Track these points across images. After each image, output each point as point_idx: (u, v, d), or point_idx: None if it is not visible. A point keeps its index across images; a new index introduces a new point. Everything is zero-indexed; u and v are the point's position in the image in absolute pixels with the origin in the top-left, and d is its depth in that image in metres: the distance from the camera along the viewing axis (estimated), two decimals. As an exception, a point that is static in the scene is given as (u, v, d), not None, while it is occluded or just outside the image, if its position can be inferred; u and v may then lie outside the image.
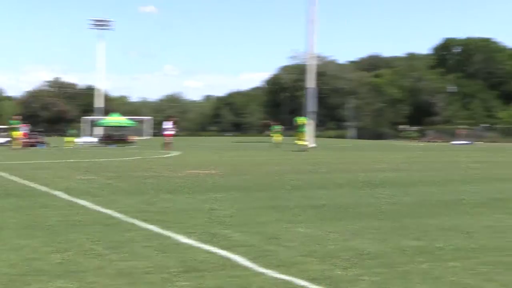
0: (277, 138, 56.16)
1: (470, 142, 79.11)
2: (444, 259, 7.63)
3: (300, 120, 45.38)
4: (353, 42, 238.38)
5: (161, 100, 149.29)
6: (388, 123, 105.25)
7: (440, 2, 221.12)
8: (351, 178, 20.24)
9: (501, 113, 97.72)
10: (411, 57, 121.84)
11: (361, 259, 7.65)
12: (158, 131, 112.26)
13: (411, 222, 10.54)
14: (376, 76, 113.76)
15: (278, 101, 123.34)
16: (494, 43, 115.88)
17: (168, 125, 47.41)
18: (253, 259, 7.58)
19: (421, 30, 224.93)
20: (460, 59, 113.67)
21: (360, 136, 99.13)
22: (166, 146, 45.91)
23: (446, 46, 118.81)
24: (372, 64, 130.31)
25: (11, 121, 51.28)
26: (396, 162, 31.09)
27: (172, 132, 47.31)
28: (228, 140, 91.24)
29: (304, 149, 41.84)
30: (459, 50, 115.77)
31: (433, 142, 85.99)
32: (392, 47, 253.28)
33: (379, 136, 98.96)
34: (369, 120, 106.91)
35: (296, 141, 43.70)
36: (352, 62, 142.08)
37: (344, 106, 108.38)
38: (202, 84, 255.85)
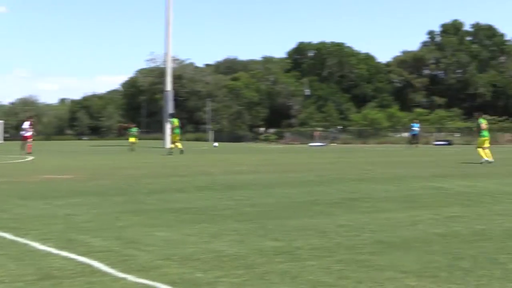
0: (133, 141, 55.53)
1: (325, 143, 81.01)
2: (302, 259, 7.78)
3: (175, 122, 44.35)
4: (210, 45, 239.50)
5: (13, 104, 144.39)
6: (246, 125, 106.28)
7: (295, 6, 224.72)
8: (210, 180, 20.27)
9: (354, 115, 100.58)
10: (267, 60, 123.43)
11: (220, 261, 7.70)
12: (9, 135, 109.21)
13: (270, 223, 10.67)
14: (233, 79, 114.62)
15: (136, 104, 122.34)
16: (347, 47, 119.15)
17: (26, 126, 44.69)
18: (112, 265, 7.51)
19: (277, 34, 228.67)
20: (314, 62, 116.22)
21: (219, 139, 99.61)
22: (25, 147, 43.82)
23: (300, 50, 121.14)
24: (229, 67, 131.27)
25: None
26: (255, 164, 31.41)
27: (30, 134, 44.51)
28: (85, 144, 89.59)
29: (171, 152, 41.36)
30: (313, 54, 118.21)
31: (290, 144, 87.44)
32: (249, 50, 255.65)
33: (237, 138, 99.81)
34: (228, 123, 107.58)
35: (172, 144, 42.92)
36: (209, 65, 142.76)
37: (203, 109, 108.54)
38: (57, 86, 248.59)
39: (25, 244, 8.90)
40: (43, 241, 9.08)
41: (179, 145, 41.60)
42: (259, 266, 7.44)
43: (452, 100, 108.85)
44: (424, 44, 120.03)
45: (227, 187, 17.70)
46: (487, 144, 29.33)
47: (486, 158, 28.12)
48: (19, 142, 47.07)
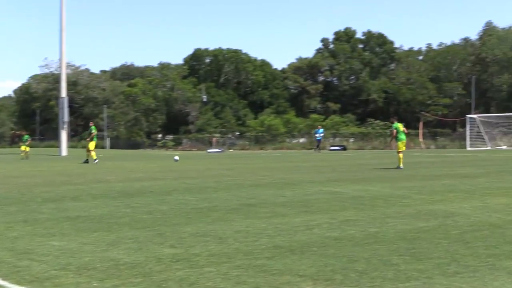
0: (24, 149, 54.07)
1: (222, 150, 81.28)
2: (200, 265, 7.79)
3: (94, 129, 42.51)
4: (106, 51, 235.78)
5: None
6: (143, 132, 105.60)
7: (192, 13, 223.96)
8: (106, 188, 20.03)
9: (251, 121, 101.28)
10: (164, 66, 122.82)
11: (118, 270, 7.65)
12: None
13: (167, 230, 10.64)
14: (130, 85, 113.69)
15: (30, 111, 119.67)
16: (243, 54, 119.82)
17: None
18: (4, 276, 7.35)
19: (174, 40, 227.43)
20: (211, 69, 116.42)
21: (115, 146, 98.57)
22: None
23: (197, 57, 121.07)
24: (126, 73, 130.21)
25: None
26: (153, 171, 31.21)
27: None
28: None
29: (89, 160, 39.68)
30: (210, 61, 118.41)
31: (189, 150, 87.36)
32: (145, 56, 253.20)
33: (135, 145, 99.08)
34: (125, 130, 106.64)
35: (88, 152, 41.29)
36: (105, 71, 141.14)
37: (99, 116, 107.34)
38: None
39: None
40: None
41: (93, 154, 40.18)
42: (157, 274, 7.42)
43: (346, 106, 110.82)
44: (319, 51, 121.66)
45: (124, 195, 17.51)
46: (403, 148, 29.53)
47: (401, 167, 28.11)
48: None
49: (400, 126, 30.01)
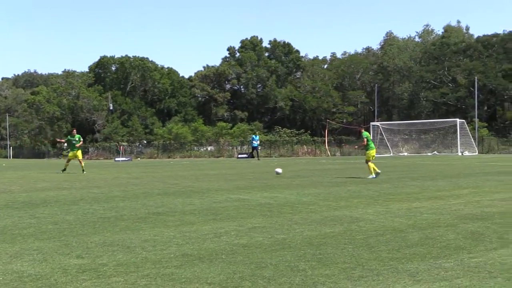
0: None
1: (130, 158, 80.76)
2: (107, 275, 7.71)
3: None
4: (8, 57, 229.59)
5: None
6: (48, 141, 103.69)
7: (97, 20, 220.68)
8: (10, 198, 19.54)
9: (159, 129, 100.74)
10: (69, 74, 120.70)
11: (22, 282, 7.49)
12: None
13: (74, 240, 10.48)
14: (33, 93, 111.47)
15: None
16: (150, 62, 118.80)
17: None
18: None
19: (79, 47, 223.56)
20: (117, 77, 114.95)
21: (18, 155, 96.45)
22: None
23: (103, 64, 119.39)
24: (29, 81, 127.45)
25: None
26: (58, 180, 30.71)
27: None
28: None
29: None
30: (116, 69, 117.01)
31: (96, 159, 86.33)
32: (49, 64, 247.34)
33: (39, 154, 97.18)
34: (28, 139, 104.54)
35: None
36: (7, 78, 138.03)
37: (1, 125, 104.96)
38: None
39: None
40: None
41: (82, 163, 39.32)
42: (62, 285, 7.30)
43: (253, 114, 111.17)
44: (225, 59, 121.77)
45: (28, 205, 17.13)
46: (374, 156, 28.85)
47: (374, 176, 27.11)
48: None
49: (369, 135, 29.67)
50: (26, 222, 13.14)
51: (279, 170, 30.04)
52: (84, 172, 37.71)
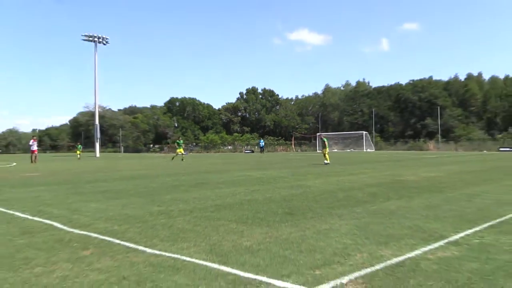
0: (79, 152, 51.98)
1: (186, 153, 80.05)
2: (174, 216, 7.97)
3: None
4: (122, 95, 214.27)
5: (3, 132, 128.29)
6: (142, 144, 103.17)
7: (167, 66, 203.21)
8: (123, 174, 19.78)
9: (202, 137, 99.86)
10: (153, 107, 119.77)
11: (127, 218, 7.75)
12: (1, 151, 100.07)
13: (156, 197, 10.65)
14: (134, 117, 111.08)
15: (78, 132, 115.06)
16: (197, 100, 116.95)
17: (33, 143, 35.25)
18: (64, 224, 7.48)
19: (158, 89, 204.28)
20: (179, 108, 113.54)
21: (126, 151, 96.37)
22: (33, 158, 34.34)
23: (171, 101, 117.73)
24: (131, 110, 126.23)
25: None
26: (150, 164, 30.77)
27: (36, 149, 35.44)
28: (49, 155, 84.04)
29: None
30: (179, 104, 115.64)
31: (166, 153, 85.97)
32: (142, 99, 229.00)
33: (138, 151, 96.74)
34: (132, 142, 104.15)
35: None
36: (120, 109, 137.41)
37: (117, 135, 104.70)
38: (28, 121, 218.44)
39: (12, 214, 8.57)
40: (22, 211, 8.77)
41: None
42: (150, 221, 7.55)
43: (253, 129, 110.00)
44: (238, 98, 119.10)
45: (131, 178, 17.32)
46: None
47: (328, 162, 26.02)
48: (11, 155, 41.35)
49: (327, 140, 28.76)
50: (131, 187, 13.36)
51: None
52: (183, 160, 36.26)
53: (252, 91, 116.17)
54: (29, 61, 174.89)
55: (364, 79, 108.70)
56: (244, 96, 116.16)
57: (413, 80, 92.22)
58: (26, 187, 14.10)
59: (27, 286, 4.34)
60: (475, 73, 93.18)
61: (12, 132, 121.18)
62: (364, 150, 69.43)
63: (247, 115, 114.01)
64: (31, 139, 36.82)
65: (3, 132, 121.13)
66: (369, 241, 5.94)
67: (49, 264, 5.05)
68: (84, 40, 61.73)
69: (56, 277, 4.58)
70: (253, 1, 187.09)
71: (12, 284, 4.40)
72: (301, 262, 4.98)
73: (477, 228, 6.65)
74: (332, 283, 4.34)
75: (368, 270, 4.71)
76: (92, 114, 70.28)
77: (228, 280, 4.43)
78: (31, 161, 34.08)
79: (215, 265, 4.88)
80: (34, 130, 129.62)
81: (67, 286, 4.31)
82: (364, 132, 74.98)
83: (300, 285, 4.30)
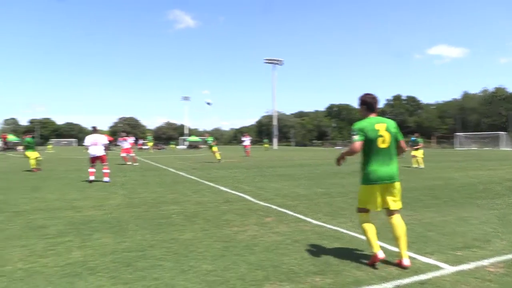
0: (266, 146, 52.86)
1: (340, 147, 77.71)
2: (220, 186, 7.77)
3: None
4: (290, 102, 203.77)
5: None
6: (308, 139, 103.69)
7: (328, 77, 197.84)
8: (294, 163, 19.75)
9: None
10: (317, 112, 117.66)
11: (297, 196, 7.83)
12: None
13: (319, 182, 10.54)
14: (302, 119, 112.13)
15: (262, 130, 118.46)
16: (351, 106, 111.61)
17: (246, 139, 29.24)
18: (253, 197, 7.88)
19: (314, 93, 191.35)
20: (337, 112, 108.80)
21: (296, 145, 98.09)
22: (247, 153, 28.13)
23: (331, 107, 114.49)
24: (300, 114, 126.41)
25: None
26: (309, 156, 30.85)
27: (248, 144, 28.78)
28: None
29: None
30: (336, 109, 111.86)
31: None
32: (308, 105, 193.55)
33: (304, 145, 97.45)
34: (300, 138, 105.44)
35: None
36: (292, 113, 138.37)
37: (290, 132, 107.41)
38: (229, 123, 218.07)
39: (218, 187, 9.33)
40: (222, 185, 9.55)
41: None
42: (314, 200, 7.47)
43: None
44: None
45: (304, 165, 17.42)
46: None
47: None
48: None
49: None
50: (299, 172, 13.21)
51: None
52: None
53: (397, 98, 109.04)
54: (228, 80, 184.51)
55: (501, 85, 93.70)
56: (391, 102, 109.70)
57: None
58: (226, 169, 15.15)
59: (228, 239, 4.74)
60: None
61: (217, 130, 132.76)
62: (502, 149, 59.47)
63: (393, 118, 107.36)
64: (242, 136, 31.54)
65: (213, 129, 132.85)
66: (507, 230, 5.12)
67: (243, 225, 5.42)
68: (265, 63, 65.16)
69: (248, 235, 4.90)
70: (398, 23, 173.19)
71: (219, 237, 4.84)
72: (443, 243, 4.51)
73: None
74: (473, 264, 3.85)
75: (510, 256, 4.07)
76: (271, 117, 73.60)
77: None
78: (246, 154, 27.98)
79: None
80: (232, 129, 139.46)
81: (256, 242, 4.58)
82: (502, 133, 64.21)
83: (442, 262, 3.91)
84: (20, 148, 12.92)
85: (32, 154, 14.68)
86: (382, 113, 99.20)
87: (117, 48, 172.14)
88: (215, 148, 20.28)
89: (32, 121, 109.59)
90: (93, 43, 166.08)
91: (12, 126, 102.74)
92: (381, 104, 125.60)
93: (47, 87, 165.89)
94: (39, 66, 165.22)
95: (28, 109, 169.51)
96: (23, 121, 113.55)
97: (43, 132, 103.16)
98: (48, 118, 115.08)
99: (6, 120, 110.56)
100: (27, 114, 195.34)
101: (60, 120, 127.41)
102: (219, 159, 20.05)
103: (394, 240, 3.90)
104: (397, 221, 3.82)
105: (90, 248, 4.33)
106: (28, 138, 15.10)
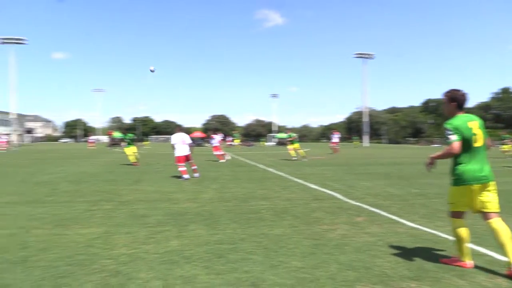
0: (356, 143, 51.91)
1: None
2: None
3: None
4: (381, 98, 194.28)
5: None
6: (401, 137, 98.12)
7: (423, 70, 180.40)
8: (386, 161, 19.09)
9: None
10: (412, 107, 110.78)
11: (390, 196, 7.52)
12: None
13: (413, 181, 10.00)
14: (395, 115, 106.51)
15: (352, 127, 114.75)
16: None
17: (335, 136, 27.27)
18: (342, 194, 7.71)
19: (407, 89, 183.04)
20: (435, 108, 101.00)
21: (389, 143, 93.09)
22: (335, 150, 26.65)
23: (427, 102, 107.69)
24: (392, 110, 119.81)
25: None
26: (402, 154, 29.26)
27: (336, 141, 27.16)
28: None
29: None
30: (435, 104, 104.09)
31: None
32: (402, 101, 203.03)
33: (397, 143, 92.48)
34: (393, 135, 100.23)
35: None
36: (384, 109, 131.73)
37: (381, 129, 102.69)
38: (317, 119, 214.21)
39: (307, 184, 9.26)
40: (311, 183, 9.47)
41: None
42: (408, 200, 7.09)
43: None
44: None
45: (394, 163, 16.74)
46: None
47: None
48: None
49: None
50: (391, 171, 12.69)
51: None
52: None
53: (505, 91, 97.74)
54: (316, 76, 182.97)
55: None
56: (499, 95, 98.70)
57: None
58: (314, 166, 15.04)
59: (318, 237, 4.67)
60: None
61: (305, 127, 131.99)
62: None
63: (501, 113, 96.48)
64: (331, 132, 28.50)
65: (301, 126, 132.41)
66: None
67: (333, 224, 5.30)
68: (355, 57, 63.20)
69: (338, 234, 4.78)
70: (487, 13, 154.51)
71: (309, 234, 4.80)
72: None
73: None
74: None
75: None
76: (361, 113, 71.21)
77: (484, 261, 3.85)
78: (333, 152, 26.70)
79: (471, 245, 4.28)
80: (320, 126, 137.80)
81: (346, 242, 4.45)
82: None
83: None
84: (124, 144, 14.26)
85: (130, 150, 15.71)
86: (487, 107, 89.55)
87: (209, 50, 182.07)
88: (296, 145, 19.50)
89: (134, 119, 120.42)
90: (186, 48, 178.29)
91: (118, 124, 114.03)
92: (485, 98, 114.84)
93: (149, 88, 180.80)
94: (140, 70, 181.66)
95: (131, 107, 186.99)
96: (127, 119, 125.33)
97: (144, 129, 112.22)
98: (148, 116, 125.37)
99: (113, 118, 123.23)
100: (130, 113, 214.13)
101: (158, 118, 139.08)
102: (294, 156, 19.39)
103: (500, 248, 3.52)
104: (499, 225, 3.50)
105: (186, 238, 4.59)
106: (129, 134, 16.34)
